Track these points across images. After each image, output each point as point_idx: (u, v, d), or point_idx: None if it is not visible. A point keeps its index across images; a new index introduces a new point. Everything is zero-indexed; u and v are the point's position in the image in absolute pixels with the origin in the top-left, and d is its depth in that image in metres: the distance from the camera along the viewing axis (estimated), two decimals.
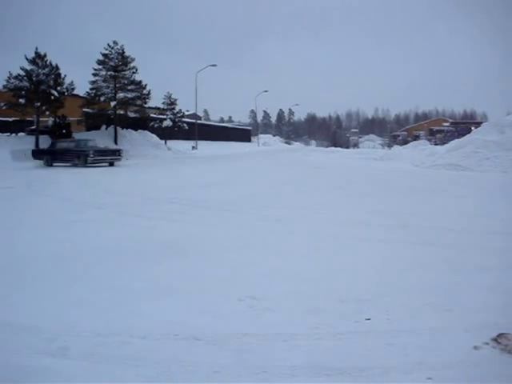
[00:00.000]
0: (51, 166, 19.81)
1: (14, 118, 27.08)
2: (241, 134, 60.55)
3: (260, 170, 18.12)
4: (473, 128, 31.16)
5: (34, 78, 24.05)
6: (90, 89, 27.08)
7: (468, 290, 3.42)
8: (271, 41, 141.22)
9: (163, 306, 3.11)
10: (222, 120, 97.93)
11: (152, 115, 31.53)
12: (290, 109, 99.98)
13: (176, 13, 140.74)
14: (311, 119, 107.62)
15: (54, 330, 2.69)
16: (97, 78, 27.19)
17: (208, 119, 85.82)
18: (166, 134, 32.44)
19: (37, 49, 24.36)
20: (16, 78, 23.94)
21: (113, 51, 27.10)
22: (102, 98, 27.21)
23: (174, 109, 33.84)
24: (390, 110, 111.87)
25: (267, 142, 61.95)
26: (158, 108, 33.77)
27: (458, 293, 3.35)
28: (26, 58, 24.20)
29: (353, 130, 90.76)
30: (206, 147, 36.39)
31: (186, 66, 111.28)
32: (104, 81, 27.15)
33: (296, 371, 2.25)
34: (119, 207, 7.56)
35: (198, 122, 42.76)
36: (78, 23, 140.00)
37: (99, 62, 27.07)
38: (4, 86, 24.17)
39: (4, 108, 24.33)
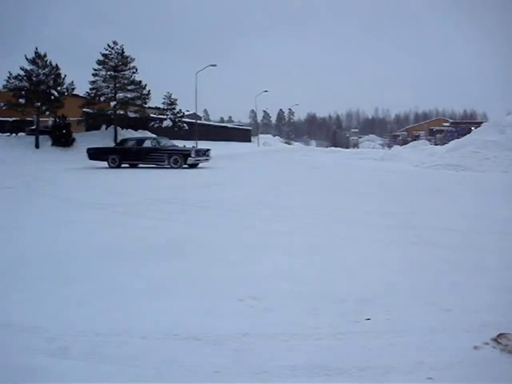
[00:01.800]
0: (119, 167, 17.97)
1: (13, 118, 27.09)
2: (241, 134, 60.53)
3: (260, 170, 18.12)
4: (473, 128, 31.19)
5: (34, 78, 24.06)
6: (90, 89, 27.08)
7: (468, 289, 3.42)
8: (271, 40, 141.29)
9: (163, 306, 3.11)
10: (222, 120, 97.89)
11: (152, 115, 31.55)
12: (290, 109, 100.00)
13: (174, 13, 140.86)
14: (311, 119, 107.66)
15: (53, 330, 2.69)
16: (97, 78, 27.18)
17: (208, 119, 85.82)
18: (166, 134, 32.45)
19: (37, 49, 24.39)
20: (16, 78, 23.95)
21: (113, 51, 27.10)
22: (102, 98, 27.20)
23: (174, 109, 33.86)
24: (390, 110, 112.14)
25: (267, 142, 61.93)
26: (158, 108, 33.80)
27: (458, 293, 3.35)
28: (26, 58, 24.21)
29: (353, 130, 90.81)
30: (206, 147, 36.32)
31: (185, 66, 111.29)
32: (104, 81, 27.14)
33: (296, 371, 2.25)
34: (117, 207, 7.57)
35: (198, 121, 42.75)
36: (78, 24, 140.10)
37: (99, 62, 27.07)
38: (4, 86, 24.19)
39: (4, 108, 24.34)
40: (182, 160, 17.15)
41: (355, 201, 8.55)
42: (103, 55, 27.06)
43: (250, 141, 60.62)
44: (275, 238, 5.20)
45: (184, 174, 15.07)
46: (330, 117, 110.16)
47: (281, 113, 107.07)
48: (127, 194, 9.57)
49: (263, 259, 4.29)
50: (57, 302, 3.18)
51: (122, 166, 18.17)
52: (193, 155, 17.22)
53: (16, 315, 2.93)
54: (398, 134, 72.22)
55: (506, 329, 2.63)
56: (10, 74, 23.86)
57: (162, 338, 2.60)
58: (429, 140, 44.75)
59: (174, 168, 17.01)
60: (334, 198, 8.92)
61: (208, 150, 18.86)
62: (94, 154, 18.88)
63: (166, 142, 18.69)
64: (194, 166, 17.47)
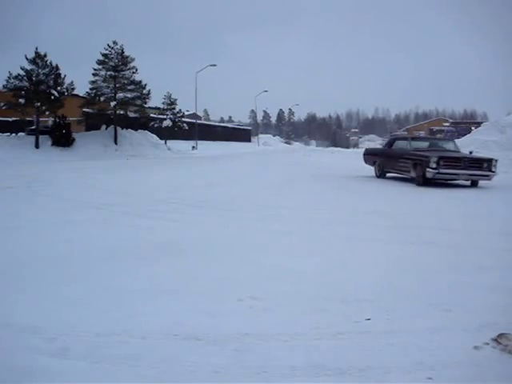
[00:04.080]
0: (381, 176, 13.36)
1: (14, 118, 27.09)
2: (241, 134, 60.58)
3: (260, 170, 18.10)
4: (473, 128, 31.18)
5: (34, 78, 24.07)
6: (90, 89, 27.11)
7: (468, 289, 3.42)
8: (271, 41, 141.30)
9: (163, 306, 3.11)
10: (222, 120, 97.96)
11: (152, 115, 31.56)
12: (290, 109, 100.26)
13: (174, 12, 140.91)
14: (311, 119, 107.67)
15: (53, 330, 2.69)
16: (97, 78, 27.21)
17: (208, 119, 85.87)
18: (165, 134, 32.45)
19: (37, 49, 24.40)
20: (16, 77, 23.97)
21: (112, 51, 27.12)
22: (102, 98, 27.23)
23: (173, 109, 33.87)
24: (390, 110, 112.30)
25: (267, 142, 61.96)
26: (158, 108, 33.83)
27: (457, 293, 3.35)
28: (26, 58, 24.21)
29: (353, 130, 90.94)
30: (206, 147, 36.40)
31: (185, 66, 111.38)
32: (104, 81, 27.16)
33: (296, 371, 2.25)
34: (123, 207, 7.56)
35: (198, 121, 42.80)
36: (78, 24, 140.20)
37: (99, 62, 27.08)
38: (4, 86, 24.20)
39: (4, 108, 24.34)
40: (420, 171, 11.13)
41: (356, 201, 8.55)
42: (103, 55, 27.07)
43: (249, 141, 60.66)
44: (275, 238, 5.19)
45: (184, 174, 14.92)
46: (330, 117, 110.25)
47: (281, 113, 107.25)
48: (128, 195, 9.55)
49: (263, 259, 4.28)
50: (57, 301, 3.18)
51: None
52: (433, 165, 10.75)
53: (16, 315, 2.93)
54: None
55: (506, 329, 2.63)
56: (10, 74, 23.87)
57: (162, 338, 2.60)
58: None
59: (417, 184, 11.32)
60: (335, 198, 8.92)
61: (492, 159, 11.30)
62: (367, 156, 14.57)
63: (449, 145, 12.81)
64: (432, 180, 11.13)
